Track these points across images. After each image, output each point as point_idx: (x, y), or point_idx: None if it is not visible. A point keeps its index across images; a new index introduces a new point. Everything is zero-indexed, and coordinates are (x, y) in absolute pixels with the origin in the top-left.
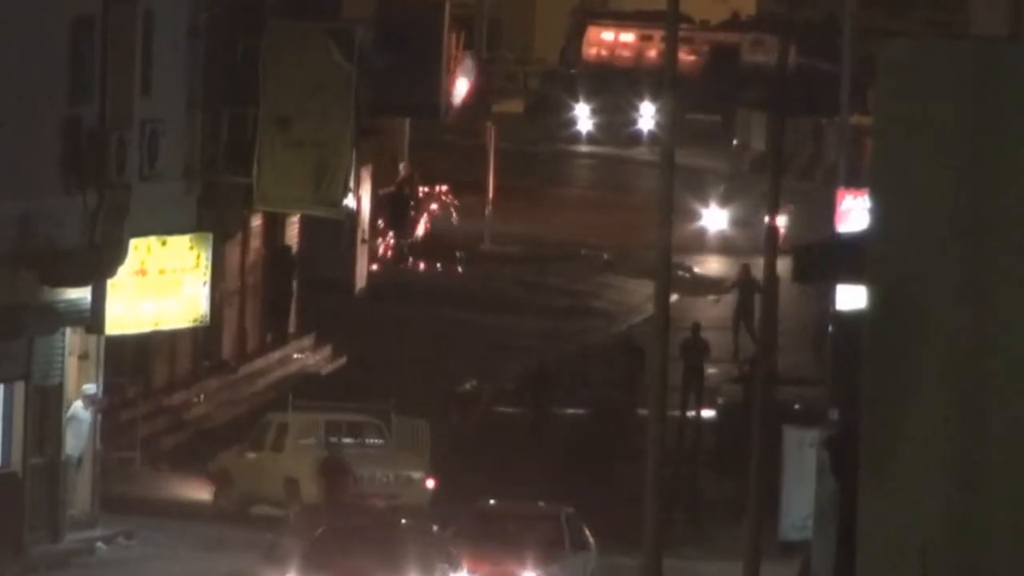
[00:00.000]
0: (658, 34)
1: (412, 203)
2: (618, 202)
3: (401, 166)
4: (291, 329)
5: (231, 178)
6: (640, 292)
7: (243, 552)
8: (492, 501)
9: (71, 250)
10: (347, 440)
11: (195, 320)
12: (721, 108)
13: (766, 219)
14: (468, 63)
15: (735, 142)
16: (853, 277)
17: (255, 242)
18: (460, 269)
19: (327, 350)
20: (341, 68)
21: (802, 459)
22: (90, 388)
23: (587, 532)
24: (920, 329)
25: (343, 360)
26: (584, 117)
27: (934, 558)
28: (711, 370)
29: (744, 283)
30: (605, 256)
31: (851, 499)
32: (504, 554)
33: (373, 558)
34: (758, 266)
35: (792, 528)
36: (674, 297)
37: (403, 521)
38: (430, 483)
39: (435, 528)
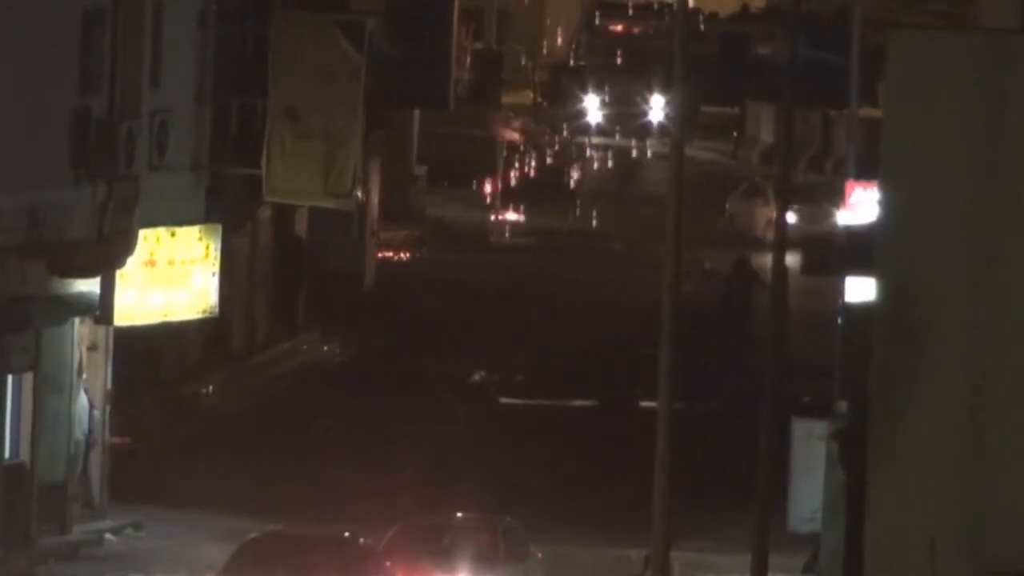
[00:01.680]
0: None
1: None
2: (628, 194)
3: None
4: (300, 320)
5: (240, 169)
6: (650, 283)
7: None
8: (426, 513)
9: (80, 241)
10: None
11: (204, 311)
12: (732, 100)
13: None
14: None
15: (735, 134)
16: (863, 269)
17: (264, 233)
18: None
19: (336, 341)
20: (351, 59)
21: (810, 451)
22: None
23: (529, 543)
24: (929, 321)
25: (352, 351)
26: (593, 109)
27: (942, 550)
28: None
29: (739, 275)
30: (616, 247)
31: (860, 491)
32: (435, 566)
33: (294, 569)
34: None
35: (800, 520)
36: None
37: (346, 534)
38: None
39: (362, 540)
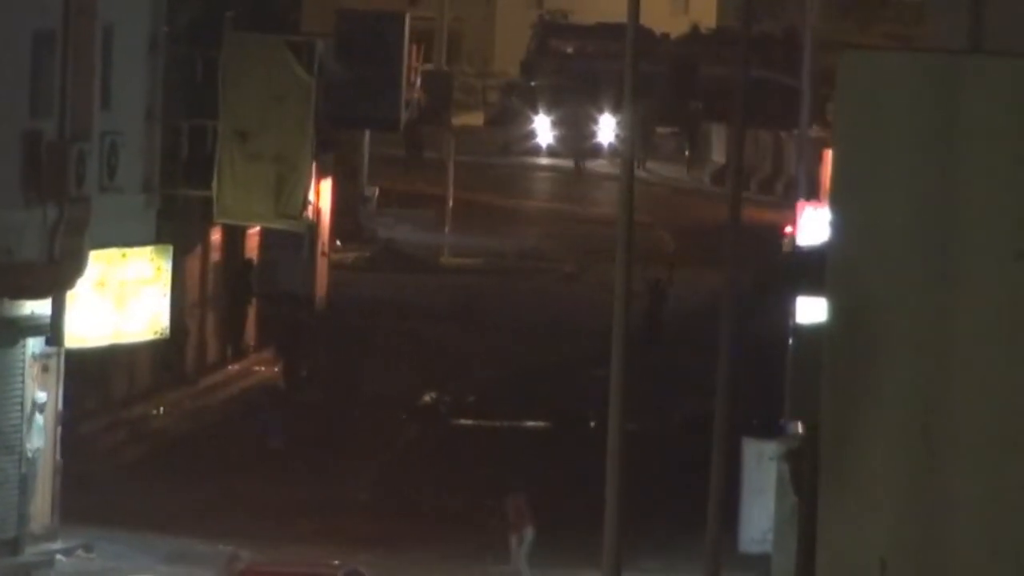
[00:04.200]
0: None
1: None
2: (578, 215)
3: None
4: (251, 342)
5: (191, 191)
6: (601, 304)
7: (203, 565)
8: (269, 558)
9: (31, 262)
10: None
11: (156, 333)
12: (681, 121)
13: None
14: None
15: (687, 152)
16: (814, 289)
17: (215, 255)
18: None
19: (287, 362)
20: (301, 81)
21: (761, 472)
22: (40, 396)
23: None
24: (881, 342)
25: (302, 372)
26: (544, 130)
27: (894, 571)
28: None
29: (656, 292)
30: (566, 268)
31: (811, 512)
32: None
33: None
34: None
35: (752, 541)
36: None
37: None
38: None
39: None
